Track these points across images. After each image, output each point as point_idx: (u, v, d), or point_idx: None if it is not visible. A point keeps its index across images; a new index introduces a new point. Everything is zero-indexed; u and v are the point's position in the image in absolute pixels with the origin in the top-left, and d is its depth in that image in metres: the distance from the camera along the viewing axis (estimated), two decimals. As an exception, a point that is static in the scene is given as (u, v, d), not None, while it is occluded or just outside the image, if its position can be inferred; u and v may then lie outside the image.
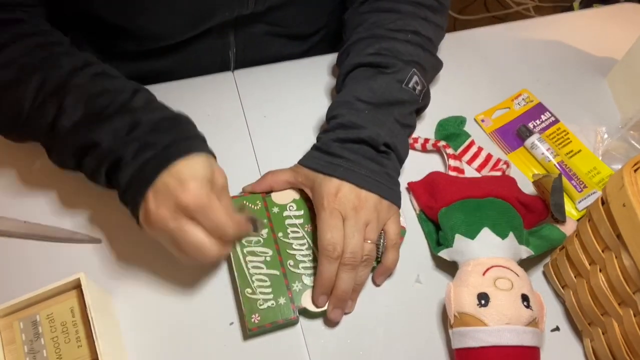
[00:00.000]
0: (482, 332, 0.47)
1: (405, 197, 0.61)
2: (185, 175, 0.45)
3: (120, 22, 0.60)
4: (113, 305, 0.52)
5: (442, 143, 0.62)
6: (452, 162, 0.61)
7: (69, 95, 0.47)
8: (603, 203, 0.47)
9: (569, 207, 0.61)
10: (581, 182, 0.61)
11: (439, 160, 0.64)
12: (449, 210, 0.55)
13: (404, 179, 0.61)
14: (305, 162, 0.56)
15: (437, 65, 0.65)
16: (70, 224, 0.56)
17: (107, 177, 0.49)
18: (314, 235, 0.54)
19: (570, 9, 1.87)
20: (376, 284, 0.55)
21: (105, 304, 0.51)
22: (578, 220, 0.59)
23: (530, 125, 0.67)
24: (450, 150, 0.62)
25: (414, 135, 0.65)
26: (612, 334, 0.47)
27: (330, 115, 0.58)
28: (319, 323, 0.53)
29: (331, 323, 0.53)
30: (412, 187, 0.60)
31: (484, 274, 0.49)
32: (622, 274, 0.45)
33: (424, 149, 0.64)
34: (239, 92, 0.68)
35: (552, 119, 0.68)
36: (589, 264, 0.50)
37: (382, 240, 0.54)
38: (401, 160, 0.58)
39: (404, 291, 0.55)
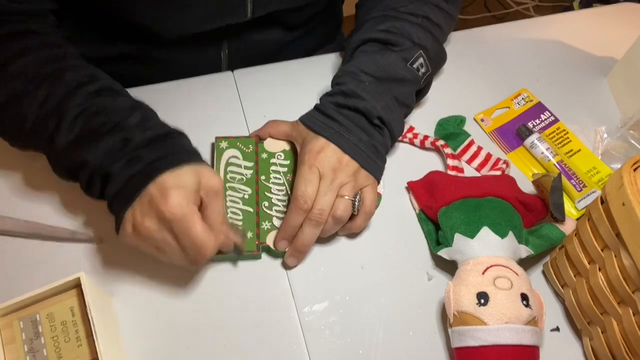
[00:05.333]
0: (482, 331, 0.47)
1: (405, 197, 0.61)
2: (168, 185, 0.45)
3: (117, 15, 0.61)
4: (113, 304, 0.52)
5: (440, 142, 0.63)
6: (451, 162, 0.61)
7: (67, 113, 0.48)
8: (602, 202, 0.47)
9: (568, 207, 0.61)
10: (580, 182, 0.61)
11: (438, 159, 0.64)
12: (449, 210, 0.55)
13: (404, 178, 0.61)
14: (303, 119, 0.58)
15: (443, 55, 0.66)
16: (70, 224, 0.56)
17: (101, 192, 0.49)
18: (293, 185, 0.56)
19: (570, 8, 1.87)
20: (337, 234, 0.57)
21: (105, 303, 0.51)
22: (577, 219, 0.59)
23: (530, 124, 0.67)
24: (448, 150, 0.62)
25: (414, 130, 0.65)
26: (611, 333, 0.47)
27: (335, 82, 0.60)
28: (319, 322, 0.53)
29: (287, 267, 0.55)
30: (411, 187, 0.60)
31: (483, 273, 0.49)
32: (621, 273, 0.45)
33: (422, 145, 0.64)
34: (238, 92, 0.68)
35: (552, 118, 0.68)
36: (589, 263, 0.50)
37: (357, 201, 0.54)
38: (393, 138, 0.59)
39: (403, 291, 0.55)
